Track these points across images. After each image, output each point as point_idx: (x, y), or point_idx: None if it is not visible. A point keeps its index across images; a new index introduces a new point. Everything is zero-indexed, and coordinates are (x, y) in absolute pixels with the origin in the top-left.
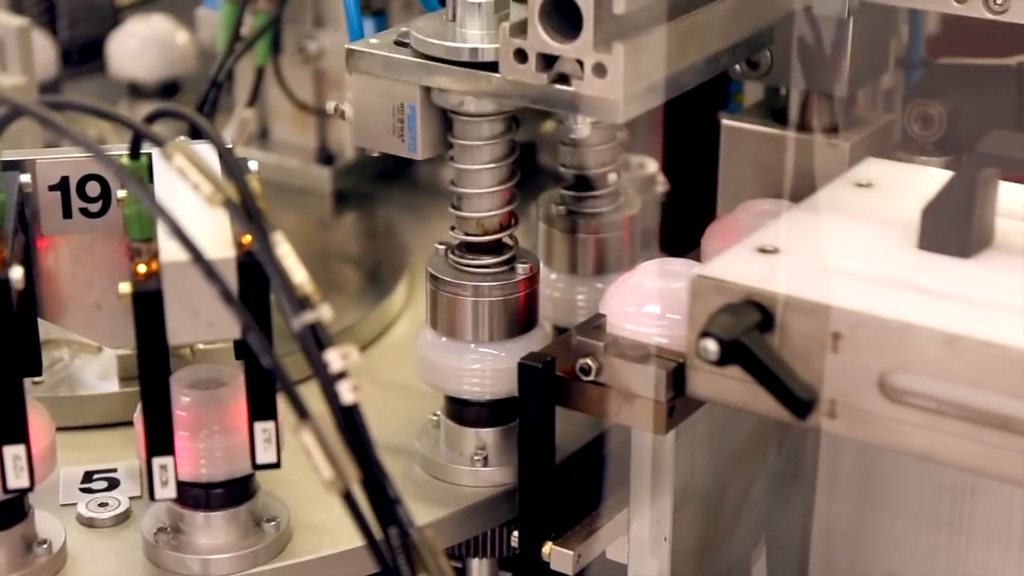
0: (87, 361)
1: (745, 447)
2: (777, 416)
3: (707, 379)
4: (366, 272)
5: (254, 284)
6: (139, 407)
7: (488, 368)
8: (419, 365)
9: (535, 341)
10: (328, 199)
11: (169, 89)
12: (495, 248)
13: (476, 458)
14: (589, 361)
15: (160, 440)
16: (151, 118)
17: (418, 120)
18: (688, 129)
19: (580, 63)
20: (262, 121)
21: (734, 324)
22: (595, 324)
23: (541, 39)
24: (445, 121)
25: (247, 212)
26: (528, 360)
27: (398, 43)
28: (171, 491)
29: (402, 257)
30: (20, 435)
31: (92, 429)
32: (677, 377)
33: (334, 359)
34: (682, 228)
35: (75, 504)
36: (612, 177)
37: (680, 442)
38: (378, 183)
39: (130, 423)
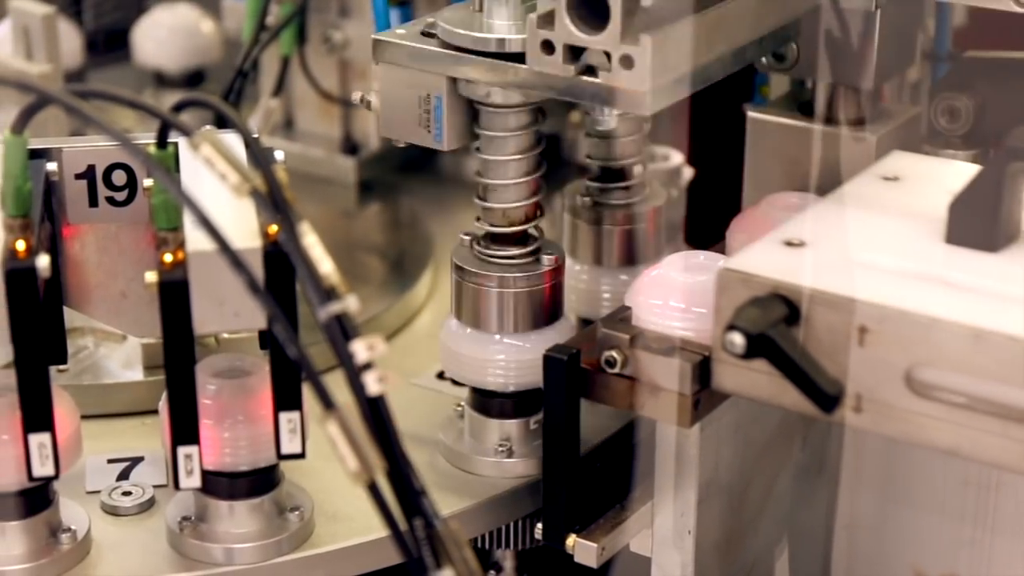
0: (111, 350)
1: (770, 441)
2: (802, 410)
3: (733, 372)
4: (390, 262)
5: (280, 274)
6: (164, 396)
7: (513, 359)
8: (443, 356)
9: (560, 333)
10: (352, 189)
11: (194, 78)
12: (520, 239)
13: (500, 449)
14: (614, 354)
15: (185, 429)
16: (178, 107)
17: (444, 111)
18: (713, 121)
19: (607, 55)
20: (287, 111)
21: (760, 317)
22: (620, 316)
23: (568, 30)
24: (471, 112)
25: (274, 202)
26: (553, 352)
27: (425, 34)
28: (196, 480)
29: (426, 248)
30: (45, 423)
31: (116, 417)
32: (703, 370)
33: (360, 350)
34: (707, 220)
35: (100, 492)
36: (638, 169)
37: (705, 435)
38: (403, 173)
39: (154, 411)
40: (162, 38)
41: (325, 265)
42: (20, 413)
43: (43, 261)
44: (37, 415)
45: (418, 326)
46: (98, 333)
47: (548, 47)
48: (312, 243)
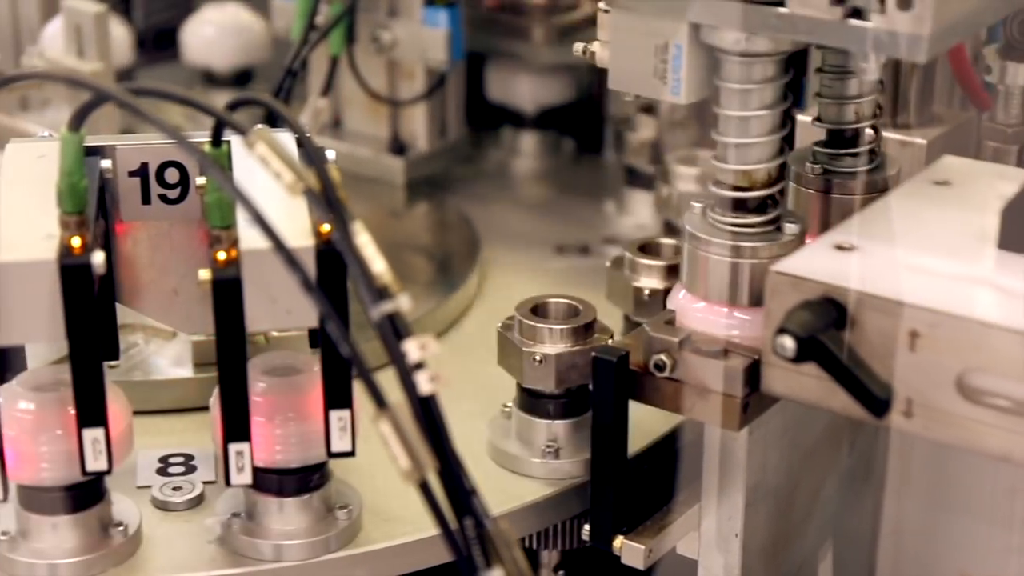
0: (161, 346)
1: (817, 444)
2: (852, 414)
3: (782, 376)
4: (437, 262)
5: (332, 273)
6: (216, 393)
7: (747, 336)
8: None
9: None
10: (400, 189)
11: (242, 77)
12: (760, 206)
13: (547, 450)
14: (663, 357)
15: (237, 426)
16: (233, 106)
17: (684, 60)
18: None
19: None
20: (335, 110)
21: (811, 321)
22: (668, 319)
23: None
24: (712, 62)
25: (327, 201)
26: (602, 354)
27: None
28: (247, 477)
29: (473, 248)
30: (99, 418)
31: (165, 414)
32: (752, 373)
33: (412, 349)
34: None
35: (150, 487)
36: (869, 133)
37: (753, 438)
38: (451, 174)
39: (203, 408)
40: (211, 37)
41: (378, 264)
42: (74, 408)
43: (98, 258)
44: (91, 410)
45: (465, 326)
46: (148, 330)
47: None
48: (365, 242)
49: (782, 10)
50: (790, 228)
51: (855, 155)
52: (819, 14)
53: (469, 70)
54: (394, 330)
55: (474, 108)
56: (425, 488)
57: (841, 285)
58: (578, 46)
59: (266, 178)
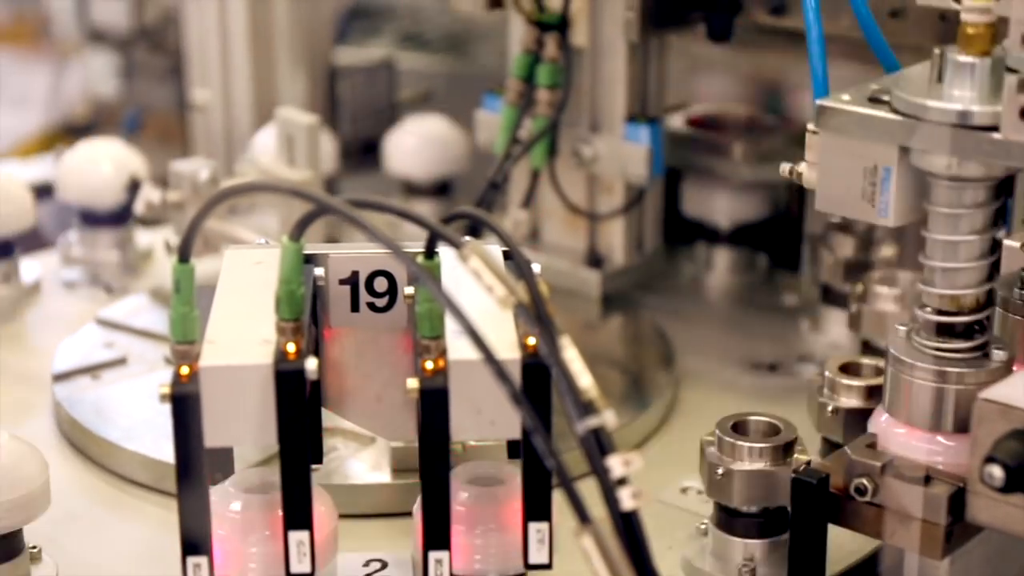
0: (359, 451)
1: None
2: None
3: (989, 505)
4: (631, 377)
5: (538, 385)
6: (418, 500)
7: (951, 462)
8: None
9: None
10: (596, 302)
11: (442, 187)
12: (966, 331)
13: (744, 569)
14: (864, 481)
15: (438, 534)
16: (448, 220)
17: (893, 183)
18: None
19: None
20: (533, 222)
21: (1021, 450)
22: (869, 442)
23: None
24: (922, 185)
25: (537, 315)
26: (803, 475)
27: (872, 100)
28: None
29: (668, 363)
30: (305, 521)
31: (361, 518)
32: (955, 501)
33: (616, 465)
34: None
35: None
36: None
37: (955, 568)
38: (646, 288)
39: (399, 514)
40: (413, 148)
41: (584, 379)
42: (281, 510)
43: (312, 364)
44: (298, 513)
45: (660, 441)
46: (347, 434)
47: None
48: (572, 357)
49: (995, 136)
50: (998, 355)
51: None
52: None
53: (666, 183)
54: (598, 445)
55: (670, 222)
56: None
57: None
58: (784, 167)
59: (473, 289)
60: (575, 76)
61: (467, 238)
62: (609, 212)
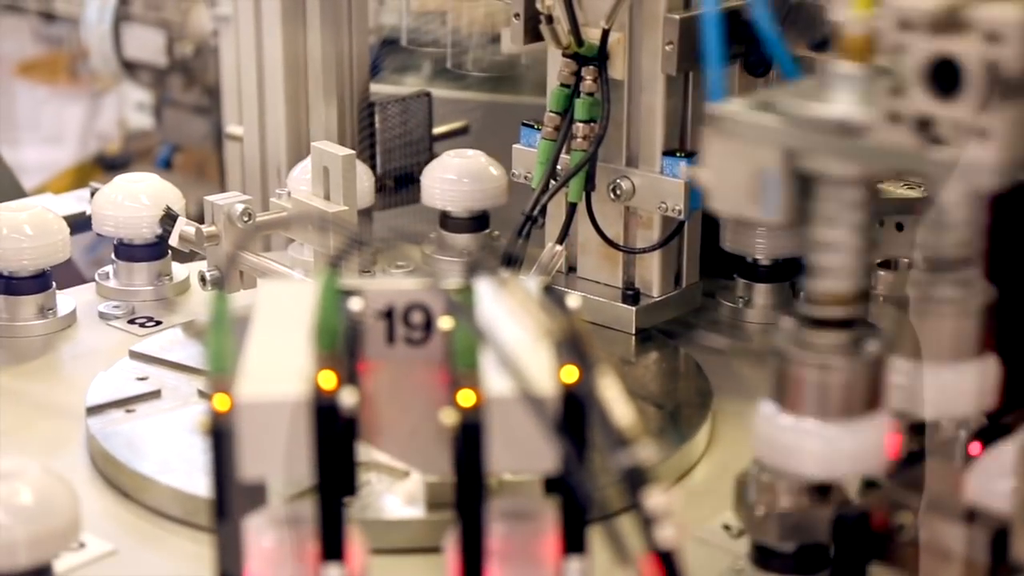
0: (392, 485)
1: None
2: None
3: None
4: (667, 413)
5: (575, 420)
6: (453, 535)
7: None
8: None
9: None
10: (632, 337)
11: (478, 221)
12: (844, 323)
13: None
14: (905, 519)
15: (473, 570)
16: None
17: (779, 184)
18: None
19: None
20: (570, 256)
21: None
22: (910, 478)
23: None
24: (804, 187)
25: (574, 350)
26: (843, 512)
27: (762, 106)
28: None
29: (704, 400)
30: (339, 554)
31: (395, 554)
32: (998, 540)
33: (656, 501)
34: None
35: None
36: (968, 260)
37: None
38: (683, 323)
39: (432, 550)
40: (450, 181)
41: (623, 415)
42: (316, 544)
43: (350, 397)
44: (331, 547)
45: (696, 478)
46: (381, 468)
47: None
48: (611, 392)
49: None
50: (871, 345)
51: (952, 281)
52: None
53: (704, 218)
54: (637, 481)
55: (708, 257)
56: None
57: None
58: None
59: (509, 323)
60: (612, 110)
61: (508, 274)
62: (646, 247)
